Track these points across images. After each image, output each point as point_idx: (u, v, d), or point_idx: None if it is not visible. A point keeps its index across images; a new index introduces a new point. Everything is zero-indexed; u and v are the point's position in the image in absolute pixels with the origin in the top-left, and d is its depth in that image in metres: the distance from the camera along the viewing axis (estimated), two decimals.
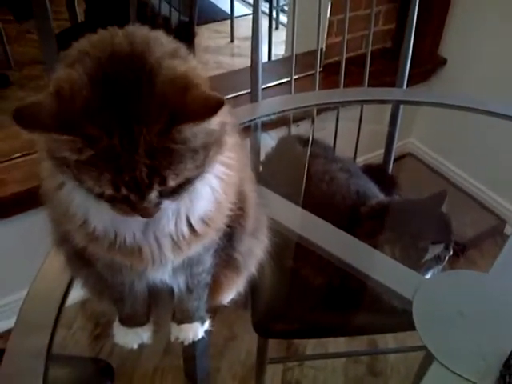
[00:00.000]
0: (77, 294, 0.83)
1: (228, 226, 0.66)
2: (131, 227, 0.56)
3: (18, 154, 1.57)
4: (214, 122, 0.48)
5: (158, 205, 0.51)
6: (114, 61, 0.48)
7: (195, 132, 0.47)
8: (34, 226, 1.50)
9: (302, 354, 1.72)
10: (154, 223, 0.56)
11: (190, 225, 0.57)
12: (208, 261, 0.69)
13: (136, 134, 0.45)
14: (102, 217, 0.55)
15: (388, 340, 1.74)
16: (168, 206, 0.53)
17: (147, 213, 0.50)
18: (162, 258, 0.59)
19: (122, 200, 0.49)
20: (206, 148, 0.49)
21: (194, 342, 0.79)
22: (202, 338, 0.80)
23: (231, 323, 1.72)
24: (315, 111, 1.44)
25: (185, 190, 0.51)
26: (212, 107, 0.46)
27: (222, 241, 0.67)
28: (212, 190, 0.57)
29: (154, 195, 0.49)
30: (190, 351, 1.23)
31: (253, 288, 1.13)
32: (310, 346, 1.72)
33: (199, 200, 0.56)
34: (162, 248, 0.58)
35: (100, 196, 0.49)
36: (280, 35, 3.14)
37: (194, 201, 0.56)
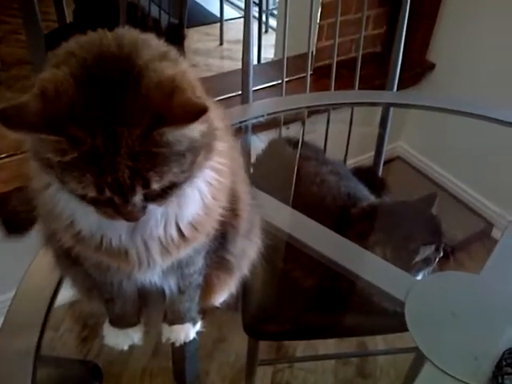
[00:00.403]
0: (64, 295, 0.83)
1: (220, 228, 0.66)
2: (117, 230, 0.55)
3: (4, 155, 1.55)
4: (197, 128, 0.48)
5: (143, 208, 0.50)
6: (101, 62, 0.47)
7: (178, 136, 0.46)
8: None
9: (292, 356, 1.72)
10: (142, 226, 0.55)
11: (178, 229, 0.57)
12: (199, 262, 0.68)
13: (119, 135, 0.44)
14: (88, 218, 0.54)
15: (378, 342, 1.74)
16: (155, 210, 0.53)
17: (132, 216, 0.50)
18: (150, 261, 0.59)
19: (106, 203, 0.48)
20: (194, 153, 0.49)
21: (184, 343, 0.78)
22: (193, 339, 0.79)
23: (220, 325, 1.72)
24: (306, 113, 1.45)
25: (172, 194, 0.50)
26: (194, 113, 0.45)
27: (213, 243, 0.67)
28: (201, 195, 0.56)
29: (138, 198, 0.48)
30: (180, 353, 1.22)
31: (244, 289, 1.13)
32: (300, 348, 1.72)
33: (188, 205, 0.56)
34: (150, 251, 0.58)
35: (83, 198, 0.48)
36: (269, 39, 3.14)
37: (182, 205, 0.55)
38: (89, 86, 0.46)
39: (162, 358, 1.60)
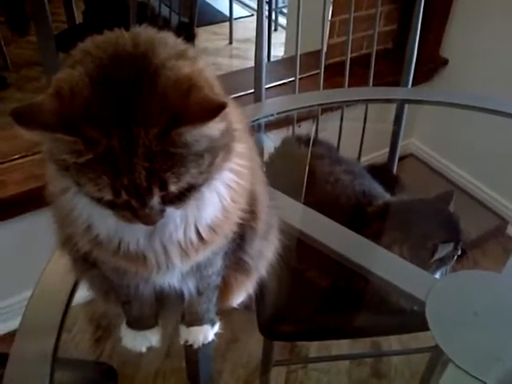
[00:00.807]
0: (77, 296, 0.82)
1: (239, 230, 0.65)
2: (135, 234, 0.54)
3: (18, 156, 1.56)
4: (216, 127, 0.46)
5: (161, 212, 0.49)
6: (116, 61, 0.46)
7: (196, 136, 0.45)
8: (33, 227, 1.49)
9: (306, 357, 1.70)
10: (160, 230, 0.54)
11: (197, 232, 0.56)
12: (218, 263, 0.67)
13: (135, 136, 0.43)
14: (105, 222, 0.53)
15: (392, 342, 1.73)
16: (173, 213, 0.52)
17: (150, 220, 0.49)
18: (169, 265, 0.58)
19: (123, 206, 0.47)
20: (212, 153, 0.48)
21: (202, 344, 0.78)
22: (209, 343, 0.78)
23: (234, 326, 1.70)
24: (319, 111, 1.43)
25: (190, 197, 0.49)
26: (212, 110, 0.44)
27: (232, 244, 0.66)
28: (220, 198, 0.55)
29: (155, 201, 0.47)
30: (193, 354, 1.21)
31: (258, 290, 1.12)
32: (314, 348, 1.70)
33: (207, 207, 0.55)
34: (169, 255, 0.57)
35: (100, 201, 0.47)
36: (279, 37, 3.14)
37: (201, 208, 0.54)
38: (104, 86, 0.45)
39: (175, 359, 1.59)
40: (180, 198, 0.49)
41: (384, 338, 1.71)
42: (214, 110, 0.44)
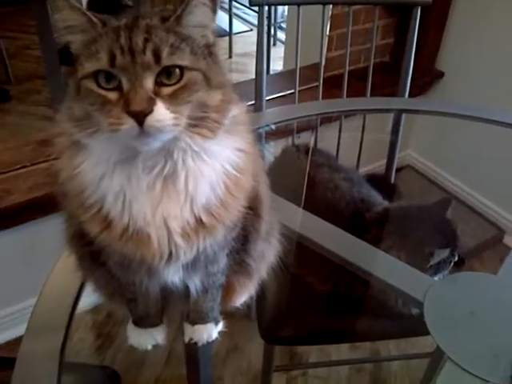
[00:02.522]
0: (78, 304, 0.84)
1: (242, 229, 0.67)
2: (143, 206, 0.55)
3: (22, 165, 1.58)
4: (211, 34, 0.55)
5: (151, 101, 0.49)
6: None
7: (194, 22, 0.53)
8: (38, 235, 1.51)
9: (307, 363, 1.71)
10: (162, 205, 0.56)
11: (193, 213, 0.57)
12: (223, 260, 0.69)
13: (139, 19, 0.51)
14: (117, 195, 0.55)
15: (391, 348, 1.74)
16: (171, 185, 0.55)
17: (140, 103, 0.48)
18: (172, 246, 0.58)
19: (116, 88, 0.50)
20: (208, 56, 0.54)
21: (199, 348, 0.79)
22: (208, 343, 0.79)
23: (233, 333, 1.72)
24: (318, 121, 1.46)
25: (186, 101, 0.51)
26: None
27: (236, 243, 0.68)
28: (212, 183, 0.57)
29: (148, 80, 0.49)
30: (195, 357, 1.22)
31: (259, 295, 1.14)
32: (313, 355, 1.71)
33: (198, 185, 0.56)
34: (170, 232, 0.57)
35: (95, 77, 0.50)
36: (277, 51, 3.18)
37: (197, 186, 0.56)
38: None
39: (175, 366, 1.60)
40: (172, 95, 0.51)
41: (383, 344, 1.72)
42: None
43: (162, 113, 0.49)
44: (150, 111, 0.49)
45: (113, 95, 0.50)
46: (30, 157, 1.59)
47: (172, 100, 0.50)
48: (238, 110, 0.58)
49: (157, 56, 0.49)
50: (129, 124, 0.49)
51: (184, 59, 0.51)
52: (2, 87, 2.90)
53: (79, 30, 0.52)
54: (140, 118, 0.48)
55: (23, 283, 1.44)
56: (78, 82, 0.52)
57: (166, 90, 0.50)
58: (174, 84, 0.51)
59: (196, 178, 0.56)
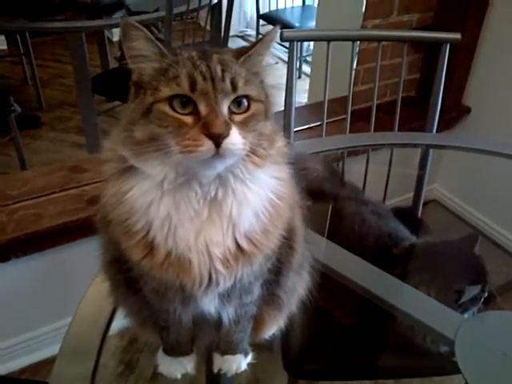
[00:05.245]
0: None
1: (277, 260, 0.68)
2: (187, 232, 0.57)
3: (52, 191, 1.62)
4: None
5: (227, 125, 0.52)
6: None
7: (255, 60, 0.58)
8: (67, 259, 1.52)
9: None
10: (205, 229, 0.57)
11: (235, 240, 0.58)
12: (256, 291, 0.70)
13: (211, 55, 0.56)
14: (164, 220, 0.56)
15: None
16: (218, 208, 0.56)
17: (218, 125, 0.52)
18: (212, 272, 0.59)
19: (190, 115, 0.52)
20: (264, 93, 0.58)
21: (222, 379, 0.79)
22: (232, 377, 0.79)
23: (255, 365, 1.70)
24: (346, 154, 1.48)
25: (251, 129, 0.55)
26: None
27: (270, 274, 0.69)
28: (256, 210, 0.58)
29: (225, 107, 0.53)
30: None
31: (286, 327, 1.13)
32: None
33: (245, 210, 0.57)
34: (212, 258, 0.58)
35: (170, 101, 0.53)
36: (302, 84, 3.23)
37: (241, 213, 0.57)
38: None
39: None
40: (243, 123, 0.54)
41: (407, 383, 1.68)
42: None
43: (236, 137, 0.53)
44: (227, 135, 0.52)
45: (189, 119, 0.53)
46: (60, 182, 1.63)
47: (242, 127, 0.54)
48: (281, 142, 0.61)
49: (234, 85, 0.53)
50: (207, 146, 0.52)
51: (253, 90, 0.56)
52: (34, 114, 2.99)
53: (151, 59, 0.55)
54: (218, 140, 0.52)
55: (50, 306, 1.46)
56: (148, 105, 0.54)
57: (238, 118, 0.54)
58: (243, 113, 0.55)
59: (241, 205, 0.57)
